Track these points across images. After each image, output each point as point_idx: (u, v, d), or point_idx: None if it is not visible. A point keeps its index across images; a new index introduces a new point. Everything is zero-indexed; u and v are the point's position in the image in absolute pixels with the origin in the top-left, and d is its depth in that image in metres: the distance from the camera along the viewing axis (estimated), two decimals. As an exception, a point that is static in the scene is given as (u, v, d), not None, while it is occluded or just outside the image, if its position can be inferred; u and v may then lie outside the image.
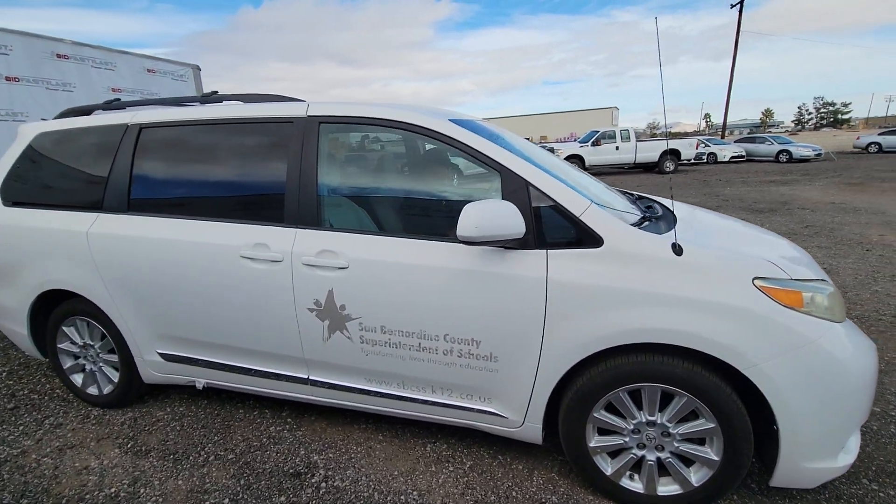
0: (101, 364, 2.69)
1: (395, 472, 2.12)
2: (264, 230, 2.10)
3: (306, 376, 2.21)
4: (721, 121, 31.92)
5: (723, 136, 29.00)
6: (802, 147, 20.86)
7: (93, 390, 2.72)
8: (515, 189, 1.81)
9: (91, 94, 6.31)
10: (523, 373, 1.85)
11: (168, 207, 2.33)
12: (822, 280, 1.76)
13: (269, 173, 2.18)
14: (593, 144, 17.81)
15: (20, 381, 3.09)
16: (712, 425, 1.68)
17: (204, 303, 2.24)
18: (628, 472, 1.88)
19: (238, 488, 2.04)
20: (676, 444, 1.77)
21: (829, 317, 1.62)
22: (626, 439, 1.83)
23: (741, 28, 26.51)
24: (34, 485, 2.11)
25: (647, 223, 1.96)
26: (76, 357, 2.75)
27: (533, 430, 1.94)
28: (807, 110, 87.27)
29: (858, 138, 25.18)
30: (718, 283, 1.62)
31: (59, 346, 2.72)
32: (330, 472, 2.12)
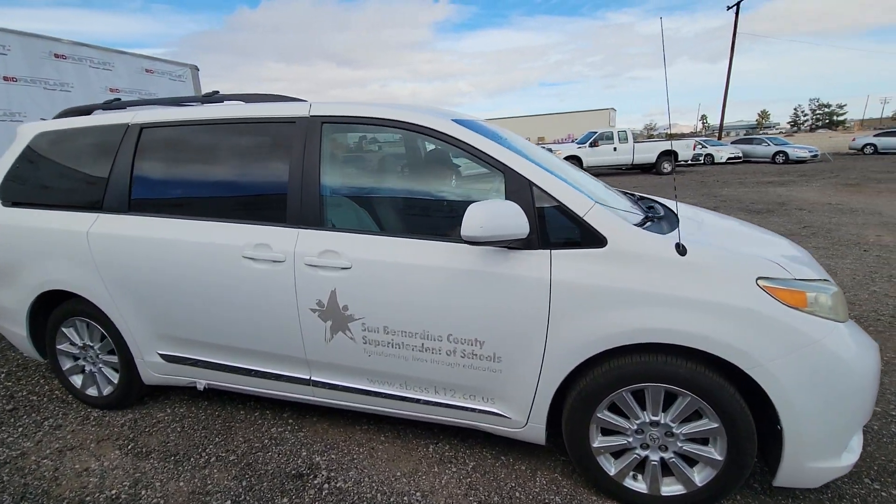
0: (100, 365, 2.67)
1: (398, 473, 2.11)
2: (266, 230, 2.10)
3: (308, 377, 2.21)
4: (717, 122, 32.05)
5: (720, 138, 29.12)
6: (799, 148, 20.97)
7: (92, 391, 2.71)
8: (519, 189, 1.81)
9: (89, 95, 6.28)
10: (527, 373, 1.85)
11: (169, 207, 2.32)
12: (825, 280, 1.76)
13: (271, 173, 2.17)
14: (591, 146, 17.85)
15: (19, 382, 3.07)
16: (716, 425, 1.68)
17: (205, 303, 2.23)
18: (632, 473, 1.88)
19: (240, 490, 2.03)
20: (680, 444, 1.78)
21: (832, 316, 1.62)
22: (630, 439, 1.83)
23: (738, 30, 26.63)
24: (34, 486, 2.10)
25: (649, 223, 1.96)
26: (76, 358, 2.73)
27: (536, 431, 1.93)
28: (802, 112, 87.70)
29: (854, 140, 25.32)
30: (722, 283, 1.62)
31: (59, 347, 2.70)
32: (332, 474, 2.11)
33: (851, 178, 13.23)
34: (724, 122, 30.22)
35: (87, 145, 2.53)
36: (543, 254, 1.77)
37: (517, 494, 1.97)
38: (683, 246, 1.67)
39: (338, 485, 2.04)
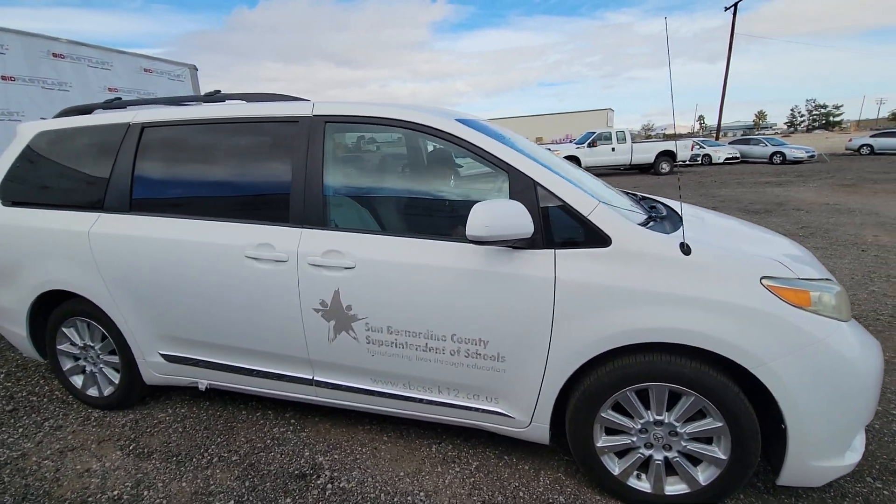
0: (101, 365, 2.66)
1: (401, 473, 2.11)
2: (269, 230, 2.09)
3: (311, 377, 2.20)
4: (714, 123, 32.13)
5: (717, 138, 29.22)
6: (796, 149, 21.05)
7: (93, 392, 2.70)
8: (523, 189, 1.82)
9: (87, 94, 6.25)
10: (531, 373, 1.85)
11: (171, 207, 2.31)
12: (828, 279, 1.77)
13: (274, 173, 2.17)
14: (589, 146, 17.88)
15: (18, 382, 3.05)
16: (720, 424, 1.69)
17: (207, 303, 2.22)
18: (636, 472, 1.88)
19: (243, 490, 2.03)
20: (684, 444, 1.78)
21: (836, 316, 1.63)
22: (634, 439, 1.83)
23: (735, 30, 26.73)
24: (35, 487, 2.09)
25: (652, 223, 1.96)
26: (76, 358, 2.72)
27: (540, 431, 1.93)
28: (799, 112, 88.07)
29: (850, 140, 25.42)
30: (726, 282, 1.62)
31: (59, 347, 2.69)
32: (336, 474, 2.11)
33: (848, 179, 13.29)
34: (722, 122, 30.33)
35: (88, 145, 2.52)
36: (548, 253, 1.77)
37: (521, 494, 1.97)
38: (688, 245, 1.68)
39: (341, 485, 2.04)
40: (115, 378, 2.63)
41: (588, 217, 1.75)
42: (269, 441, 2.36)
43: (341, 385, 2.16)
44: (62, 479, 2.14)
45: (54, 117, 2.76)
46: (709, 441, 1.76)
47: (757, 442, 1.66)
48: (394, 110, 2.04)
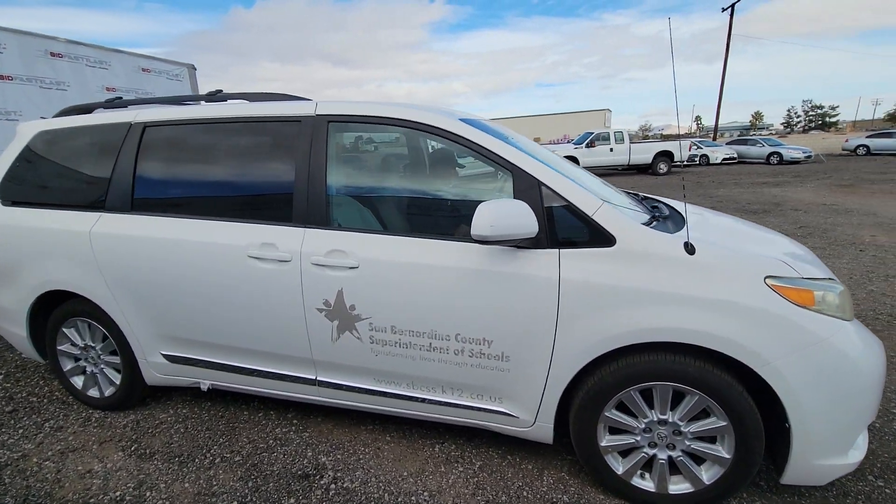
0: (102, 366, 2.65)
1: (405, 473, 2.11)
2: (272, 230, 2.09)
3: (314, 377, 2.20)
4: (711, 123, 32.24)
5: (714, 139, 29.30)
6: (793, 149, 21.14)
7: (94, 393, 2.68)
8: (527, 188, 1.82)
9: (85, 94, 6.22)
10: (535, 372, 1.85)
11: (173, 207, 2.30)
12: (831, 279, 1.78)
13: (277, 172, 2.16)
14: (588, 146, 17.91)
15: (17, 383, 3.03)
16: (724, 423, 1.69)
17: (210, 303, 2.21)
18: (639, 471, 1.88)
19: (246, 490, 2.02)
20: (688, 443, 1.78)
21: (839, 315, 1.63)
22: (638, 438, 1.84)
23: (732, 31, 26.81)
24: (37, 489, 2.08)
25: (655, 223, 1.97)
26: (77, 359, 2.71)
27: (544, 430, 1.94)
28: (795, 113, 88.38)
29: (847, 141, 25.55)
30: (731, 282, 1.63)
31: (59, 347, 2.68)
32: (339, 474, 2.11)
33: (845, 179, 13.36)
34: (719, 122, 30.42)
35: (89, 144, 2.51)
36: (552, 253, 1.77)
37: (525, 493, 1.97)
38: (692, 245, 1.68)
39: (345, 485, 2.04)
40: (116, 379, 2.62)
41: (592, 217, 1.75)
42: (271, 441, 2.35)
43: (344, 385, 2.16)
44: (64, 481, 2.13)
45: (54, 116, 2.74)
46: (712, 440, 1.77)
47: (761, 441, 1.67)
48: (398, 110, 2.03)
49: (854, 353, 1.59)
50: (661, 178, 16.50)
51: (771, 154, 21.16)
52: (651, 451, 1.84)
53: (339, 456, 2.23)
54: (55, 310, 2.61)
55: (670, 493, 1.83)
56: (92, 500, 2.00)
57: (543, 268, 1.76)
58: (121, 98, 2.74)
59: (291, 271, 2.04)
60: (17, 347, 2.82)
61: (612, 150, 17.83)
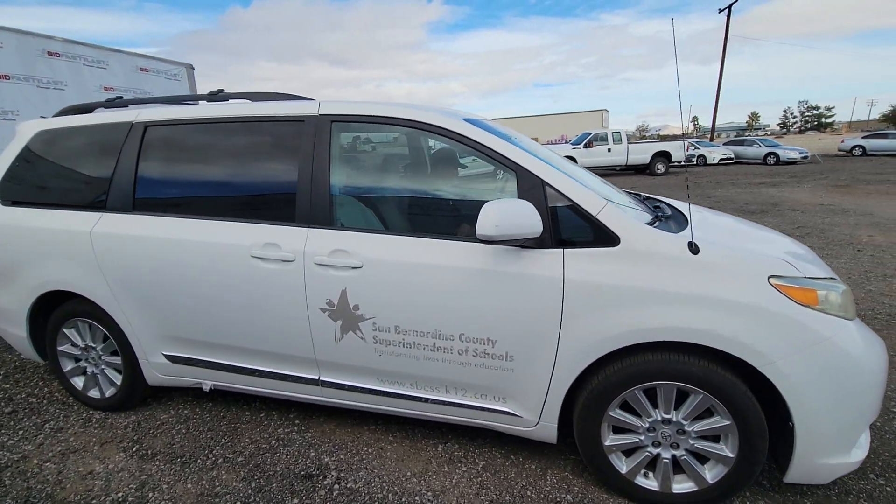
0: (102, 366, 2.64)
1: (408, 473, 2.11)
2: (275, 230, 2.08)
3: (317, 377, 2.19)
4: (708, 124, 32.35)
5: (712, 139, 29.40)
6: (789, 150, 21.24)
7: (94, 393, 2.67)
8: (531, 188, 1.82)
9: (83, 93, 6.20)
10: (539, 372, 1.86)
11: (175, 207, 2.29)
12: (833, 278, 1.79)
13: (280, 172, 2.16)
14: (585, 146, 17.94)
15: (17, 384, 3.02)
16: (728, 422, 1.70)
17: (212, 304, 2.21)
18: (643, 471, 1.89)
19: (249, 491, 2.02)
20: (692, 442, 1.79)
21: (842, 314, 1.64)
22: (642, 437, 1.84)
23: (729, 32, 26.90)
24: (38, 490, 2.07)
25: (658, 222, 1.97)
26: (77, 360, 2.69)
27: (548, 430, 1.94)
28: (792, 114, 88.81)
29: (843, 141, 25.66)
30: (735, 281, 1.63)
31: (60, 348, 2.66)
32: (342, 474, 2.10)
33: (841, 180, 13.42)
34: (715, 123, 30.53)
35: (90, 144, 2.50)
36: (556, 253, 1.77)
37: (528, 493, 1.97)
38: (696, 244, 1.68)
39: (348, 485, 2.03)
40: (117, 379, 2.61)
41: (596, 216, 1.75)
42: (274, 442, 2.35)
43: (348, 385, 2.15)
44: (65, 482, 2.12)
45: (54, 116, 2.73)
46: (716, 439, 1.77)
47: (764, 440, 1.68)
48: (401, 110, 2.03)
49: (857, 351, 1.60)
50: (659, 179, 16.55)
51: (768, 154, 21.25)
52: (655, 451, 1.84)
53: (342, 456, 2.23)
54: (55, 310, 2.59)
55: (674, 492, 1.84)
56: (94, 502, 1.99)
57: (547, 268, 1.77)
58: (122, 97, 2.73)
59: (295, 271, 2.03)
60: (16, 348, 2.81)
61: (609, 150, 17.87)
